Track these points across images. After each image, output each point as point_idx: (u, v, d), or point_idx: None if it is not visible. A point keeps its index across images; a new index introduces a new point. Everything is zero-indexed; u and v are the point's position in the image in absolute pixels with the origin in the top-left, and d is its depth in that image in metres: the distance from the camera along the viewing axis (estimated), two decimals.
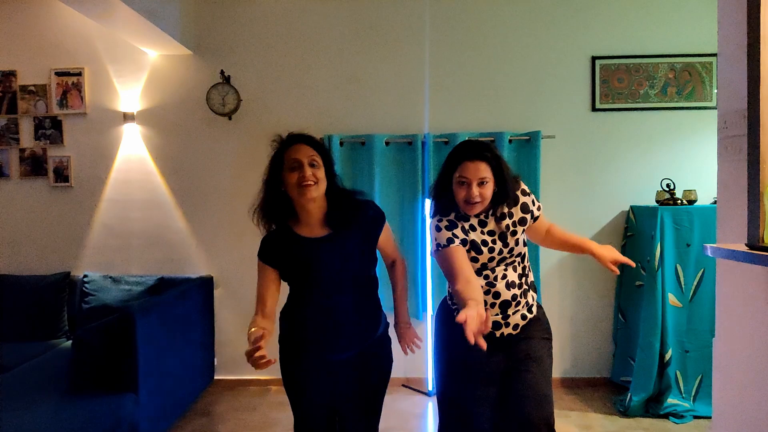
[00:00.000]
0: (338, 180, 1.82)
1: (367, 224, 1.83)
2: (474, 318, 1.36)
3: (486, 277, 1.83)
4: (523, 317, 1.88)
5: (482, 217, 1.84)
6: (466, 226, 1.82)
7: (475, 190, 1.74)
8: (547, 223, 2.01)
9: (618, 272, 1.90)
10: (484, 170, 1.75)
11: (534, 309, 1.93)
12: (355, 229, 1.80)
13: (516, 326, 1.88)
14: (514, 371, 1.84)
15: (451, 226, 1.80)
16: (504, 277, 1.84)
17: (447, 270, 1.73)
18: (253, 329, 1.63)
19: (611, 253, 1.87)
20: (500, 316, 1.84)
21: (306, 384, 1.84)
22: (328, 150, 1.86)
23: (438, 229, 1.80)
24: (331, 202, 1.79)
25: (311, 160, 1.72)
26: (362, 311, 1.85)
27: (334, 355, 1.82)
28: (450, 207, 1.86)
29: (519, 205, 1.87)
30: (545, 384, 1.84)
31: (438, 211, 1.88)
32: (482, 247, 1.81)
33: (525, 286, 1.89)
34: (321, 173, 1.73)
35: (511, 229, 1.85)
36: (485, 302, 1.79)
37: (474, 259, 1.82)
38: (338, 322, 1.78)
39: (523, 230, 1.88)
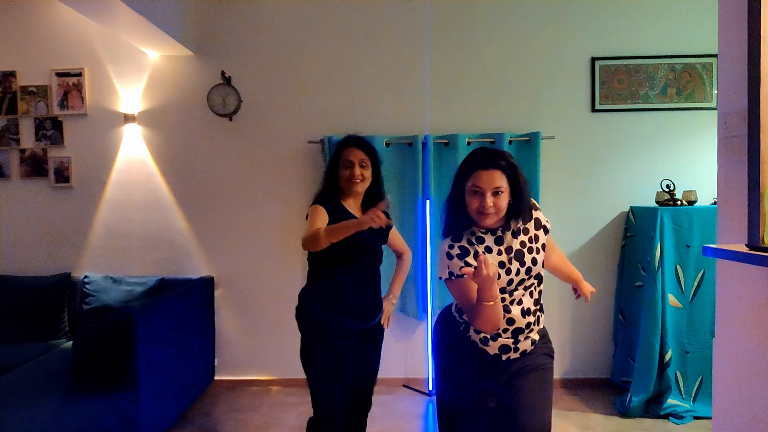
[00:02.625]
0: (381, 180, 2.22)
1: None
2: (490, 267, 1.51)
3: (502, 300, 1.72)
4: (532, 342, 1.83)
5: (499, 233, 1.76)
6: (481, 249, 1.73)
7: (489, 200, 1.66)
8: (553, 243, 1.94)
9: (584, 299, 2.06)
10: (499, 179, 1.66)
11: (541, 331, 1.89)
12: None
13: (524, 352, 1.83)
14: (512, 381, 1.82)
15: (463, 254, 1.71)
16: (520, 302, 1.78)
17: (460, 300, 1.72)
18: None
19: (590, 287, 2.08)
20: (511, 340, 1.79)
21: (332, 356, 2.10)
22: (377, 155, 2.21)
23: (449, 256, 1.71)
24: (370, 194, 2.19)
25: (361, 162, 2.13)
26: (373, 292, 2.24)
27: (354, 324, 2.13)
28: (463, 223, 1.75)
29: (533, 221, 1.81)
30: (542, 394, 1.81)
31: (450, 230, 1.78)
32: (499, 270, 1.72)
33: (539, 313, 1.83)
34: (368, 172, 2.15)
35: (528, 245, 1.77)
36: (499, 327, 1.76)
37: None
38: (358, 292, 2.15)
39: (539, 249, 1.80)
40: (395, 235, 2.40)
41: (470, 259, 1.71)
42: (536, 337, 1.84)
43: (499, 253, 1.75)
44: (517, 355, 1.81)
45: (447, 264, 1.72)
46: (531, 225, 1.81)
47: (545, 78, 3.70)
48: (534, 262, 1.77)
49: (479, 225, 1.75)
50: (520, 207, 1.73)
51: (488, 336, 1.78)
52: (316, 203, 2.11)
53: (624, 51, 3.67)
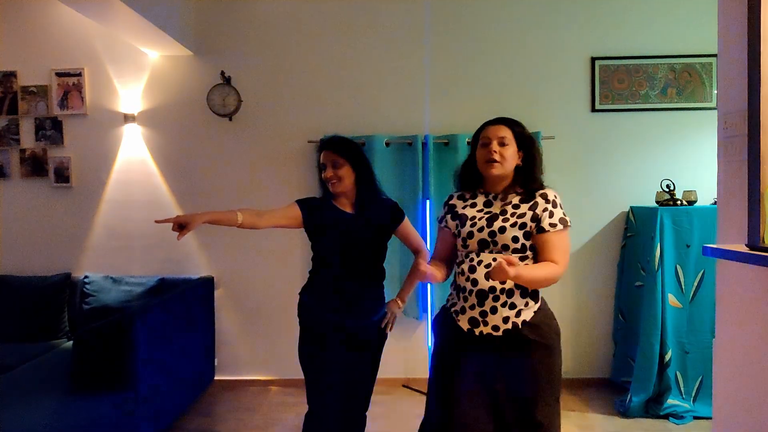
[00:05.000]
0: (367, 174, 2.19)
1: (385, 219, 2.22)
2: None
3: (471, 260, 1.83)
4: (505, 320, 1.78)
5: (490, 197, 1.89)
6: (469, 202, 1.92)
7: (495, 146, 1.81)
8: (554, 250, 1.80)
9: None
10: (504, 131, 1.84)
11: (524, 314, 1.80)
12: (375, 218, 2.19)
13: (496, 327, 1.78)
14: (507, 393, 1.79)
15: (446, 202, 2.00)
16: (488, 266, 1.76)
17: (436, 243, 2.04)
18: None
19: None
20: (477, 310, 1.78)
21: (327, 350, 2.12)
22: (354, 150, 2.18)
23: (443, 204, 2.02)
24: (359, 190, 2.18)
25: (333, 163, 2.13)
26: (370, 289, 2.23)
27: (347, 320, 2.13)
28: (468, 182, 1.96)
29: (530, 204, 1.82)
30: (540, 405, 1.78)
31: (458, 188, 2.01)
32: (467, 221, 1.85)
33: (512, 286, 1.78)
34: (343, 171, 2.13)
35: (506, 216, 1.80)
36: (466, 290, 1.83)
37: (458, 234, 1.89)
38: (352, 289, 2.16)
39: (517, 224, 1.79)
40: (407, 229, 2.30)
41: (457, 203, 1.95)
42: (514, 317, 1.78)
43: (480, 210, 1.88)
44: (489, 329, 1.78)
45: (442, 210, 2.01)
46: (526, 207, 1.82)
47: (545, 78, 3.70)
48: (502, 230, 1.79)
49: (487, 177, 1.87)
50: (529, 172, 1.86)
51: (458, 310, 1.86)
52: (297, 201, 2.20)
53: (624, 51, 3.67)
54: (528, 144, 1.87)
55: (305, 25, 3.75)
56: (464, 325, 1.83)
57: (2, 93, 3.83)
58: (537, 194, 1.84)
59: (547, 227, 1.79)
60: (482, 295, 1.79)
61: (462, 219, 1.88)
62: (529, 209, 1.81)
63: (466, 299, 1.82)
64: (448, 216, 1.95)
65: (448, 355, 1.88)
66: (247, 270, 3.83)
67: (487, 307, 1.79)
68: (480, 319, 1.80)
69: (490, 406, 1.80)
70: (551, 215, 1.80)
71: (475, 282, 1.80)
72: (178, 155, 3.81)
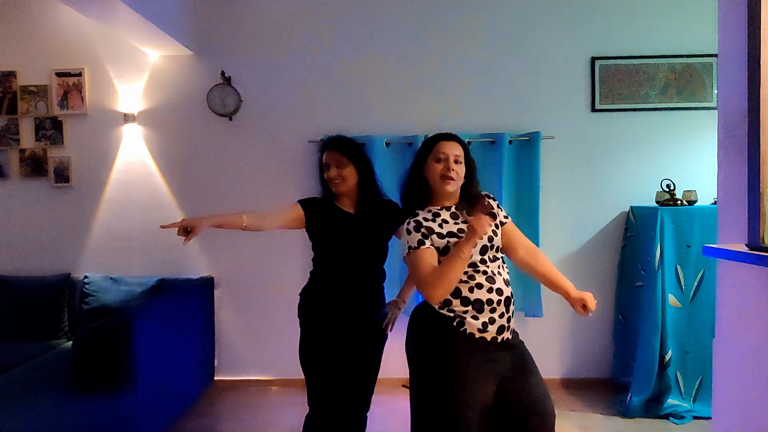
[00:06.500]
0: (370, 174, 2.19)
1: (386, 219, 2.21)
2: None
3: (485, 272, 1.82)
4: (512, 321, 1.89)
5: (453, 209, 1.91)
6: (439, 220, 1.87)
7: (452, 164, 1.87)
8: (521, 235, 2.04)
9: (585, 314, 2.00)
10: (459, 149, 1.91)
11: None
12: (377, 218, 2.19)
13: (513, 330, 1.87)
14: (517, 375, 1.81)
15: (418, 227, 1.83)
16: (500, 274, 1.86)
17: (419, 268, 1.81)
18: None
19: (584, 295, 2.00)
20: (505, 318, 1.81)
21: (328, 351, 2.13)
22: (358, 150, 2.18)
23: (408, 232, 1.85)
24: (361, 190, 2.18)
25: (337, 162, 2.13)
26: (370, 290, 2.22)
27: (348, 320, 2.13)
28: (420, 199, 1.94)
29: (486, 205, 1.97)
30: (546, 389, 1.86)
31: (410, 209, 1.95)
32: (461, 235, 1.83)
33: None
34: (347, 171, 2.13)
35: None
36: (492, 301, 1.79)
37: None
38: (353, 290, 2.15)
39: (497, 224, 1.93)
40: None
41: (424, 232, 1.82)
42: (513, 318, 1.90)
43: (456, 223, 1.87)
44: (508, 334, 1.84)
45: (406, 239, 1.85)
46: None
47: (545, 78, 3.70)
48: (494, 233, 1.90)
49: (440, 193, 1.90)
50: (471, 188, 1.94)
51: (487, 320, 1.78)
52: (300, 201, 2.17)
53: (624, 51, 3.67)
54: (470, 163, 1.95)
55: (305, 26, 3.75)
56: (491, 335, 1.80)
57: (1, 93, 3.83)
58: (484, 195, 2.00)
59: (504, 219, 1.99)
60: (508, 302, 1.84)
61: (452, 235, 1.83)
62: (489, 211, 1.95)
63: (494, 310, 1.80)
64: (433, 236, 1.82)
65: (480, 374, 1.78)
66: (247, 270, 3.83)
67: (511, 313, 1.85)
68: (506, 324, 1.83)
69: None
70: (500, 208, 2.01)
71: (500, 291, 1.82)
72: (178, 155, 3.81)
